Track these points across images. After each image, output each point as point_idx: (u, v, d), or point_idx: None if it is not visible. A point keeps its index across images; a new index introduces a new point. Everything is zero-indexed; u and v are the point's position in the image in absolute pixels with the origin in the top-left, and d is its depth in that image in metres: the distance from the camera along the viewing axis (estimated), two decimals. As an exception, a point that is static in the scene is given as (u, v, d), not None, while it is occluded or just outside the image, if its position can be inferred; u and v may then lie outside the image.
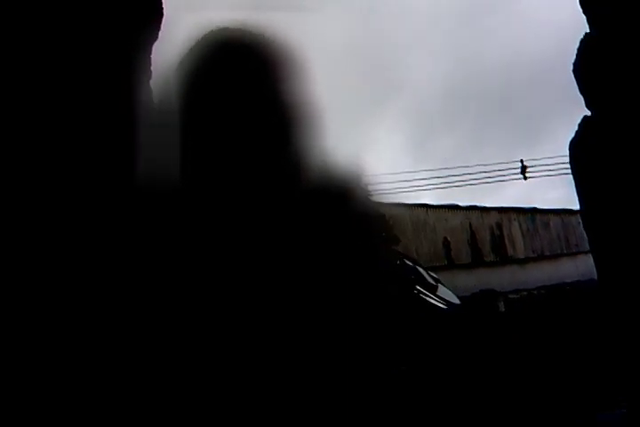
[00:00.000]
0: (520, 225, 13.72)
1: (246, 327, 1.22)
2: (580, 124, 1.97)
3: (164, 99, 1.30)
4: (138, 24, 1.46)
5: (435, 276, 6.54)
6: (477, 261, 12.85)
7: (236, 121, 1.19)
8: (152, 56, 1.51)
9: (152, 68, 1.56)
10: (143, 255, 1.32)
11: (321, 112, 1.17)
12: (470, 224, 13.18)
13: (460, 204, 13.37)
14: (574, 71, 2.02)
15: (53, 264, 1.26)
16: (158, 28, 1.53)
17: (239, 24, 1.29)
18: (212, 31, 1.30)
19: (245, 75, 1.21)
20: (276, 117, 1.17)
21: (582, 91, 1.96)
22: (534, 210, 14.05)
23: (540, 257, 13.52)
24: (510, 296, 11.57)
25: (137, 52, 1.44)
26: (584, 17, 2.10)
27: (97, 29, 1.39)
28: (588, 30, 2.07)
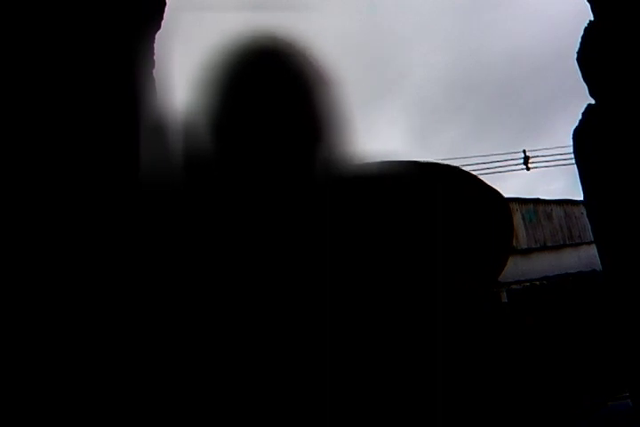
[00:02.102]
0: (522, 216, 13.69)
1: (255, 325, 1.22)
2: (584, 113, 1.96)
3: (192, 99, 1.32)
4: (141, 13, 1.45)
5: None
6: (480, 252, 12.83)
7: (270, 127, 1.22)
8: (155, 45, 1.51)
9: (155, 57, 1.56)
10: (147, 254, 1.32)
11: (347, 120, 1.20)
12: (473, 215, 13.15)
13: (463, 195, 13.32)
14: (578, 60, 2.01)
15: (56, 263, 1.26)
16: (161, 18, 1.53)
17: (267, 31, 1.30)
18: (245, 40, 1.31)
19: (282, 84, 1.23)
20: (309, 126, 1.21)
21: (586, 79, 1.95)
22: (537, 201, 14.01)
23: (543, 248, 13.50)
24: (513, 287, 11.60)
25: (139, 41, 1.44)
26: (588, 6, 2.08)
27: (99, 18, 1.38)
28: (592, 19, 2.05)
